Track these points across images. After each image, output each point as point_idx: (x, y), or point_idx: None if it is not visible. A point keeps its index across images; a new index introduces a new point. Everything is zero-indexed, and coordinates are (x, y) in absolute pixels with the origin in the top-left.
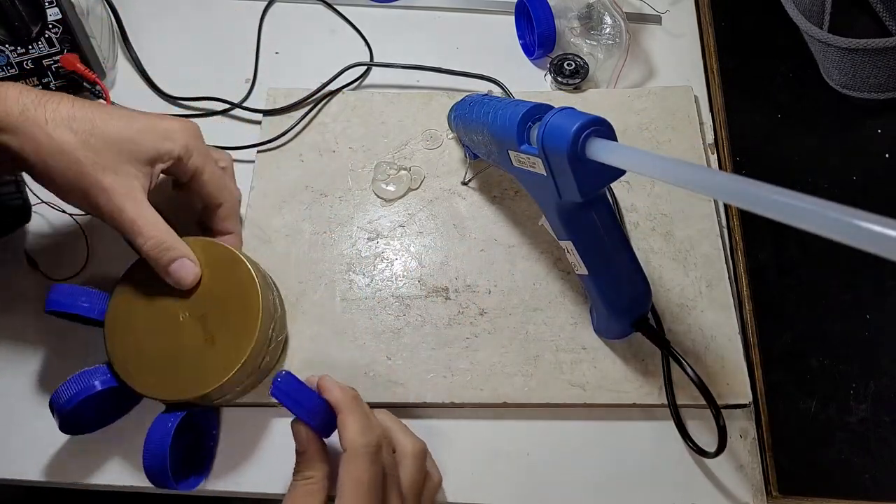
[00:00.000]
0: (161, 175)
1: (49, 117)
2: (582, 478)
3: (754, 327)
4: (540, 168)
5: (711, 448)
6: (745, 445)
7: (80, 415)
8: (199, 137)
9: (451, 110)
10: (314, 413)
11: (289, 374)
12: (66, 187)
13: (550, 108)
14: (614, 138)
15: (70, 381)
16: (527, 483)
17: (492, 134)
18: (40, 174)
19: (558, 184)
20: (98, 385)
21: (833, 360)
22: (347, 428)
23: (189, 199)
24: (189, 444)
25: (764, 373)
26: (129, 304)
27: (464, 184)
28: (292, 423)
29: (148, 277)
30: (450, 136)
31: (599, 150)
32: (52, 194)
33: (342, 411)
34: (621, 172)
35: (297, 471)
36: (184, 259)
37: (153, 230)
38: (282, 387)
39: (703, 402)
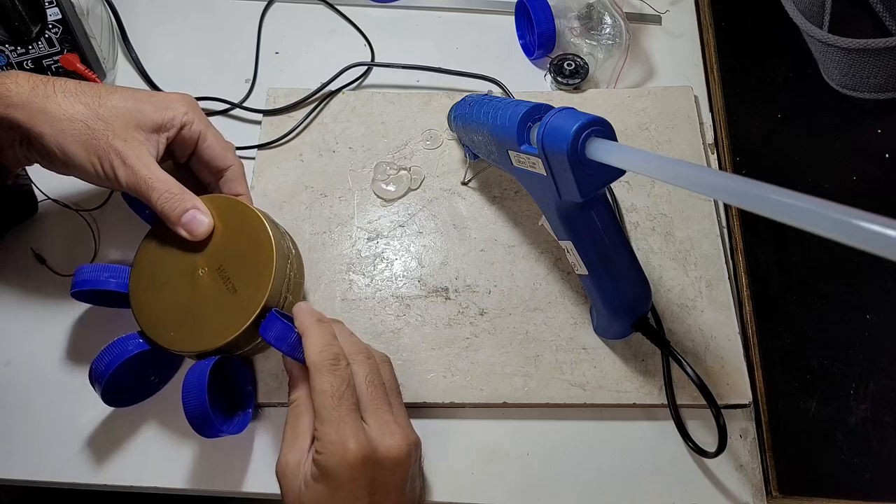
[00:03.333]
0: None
1: (58, 91)
2: (582, 478)
3: (754, 327)
4: (540, 168)
5: (711, 448)
6: (745, 445)
7: (121, 382)
8: (196, 106)
9: (450, 110)
10: (294, 346)
11: (272, 314)
12: (78, 155)
13: (550, 108)
14: (614, 138)
15: (105, 350)
16: (527, 483)
17: (492, 134)
18: (53, 145)
19: (558, 184)
20: (132, 348)
21: (833, 360)
22: (307, 348)
23: (194, 173)
24: (227, 394)
25: (764, 373)
26: (150, 269)
27: (464, 184)
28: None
29: (163, 243)
30: (450, 137)
31: (599, 150)
32: (55, 191)
33: (303, 335)
34: (621, 172)
35: (288, 395)
36: (195, 210)
37: (165, 185)
38: (266, 325)
39: (704, 402)
